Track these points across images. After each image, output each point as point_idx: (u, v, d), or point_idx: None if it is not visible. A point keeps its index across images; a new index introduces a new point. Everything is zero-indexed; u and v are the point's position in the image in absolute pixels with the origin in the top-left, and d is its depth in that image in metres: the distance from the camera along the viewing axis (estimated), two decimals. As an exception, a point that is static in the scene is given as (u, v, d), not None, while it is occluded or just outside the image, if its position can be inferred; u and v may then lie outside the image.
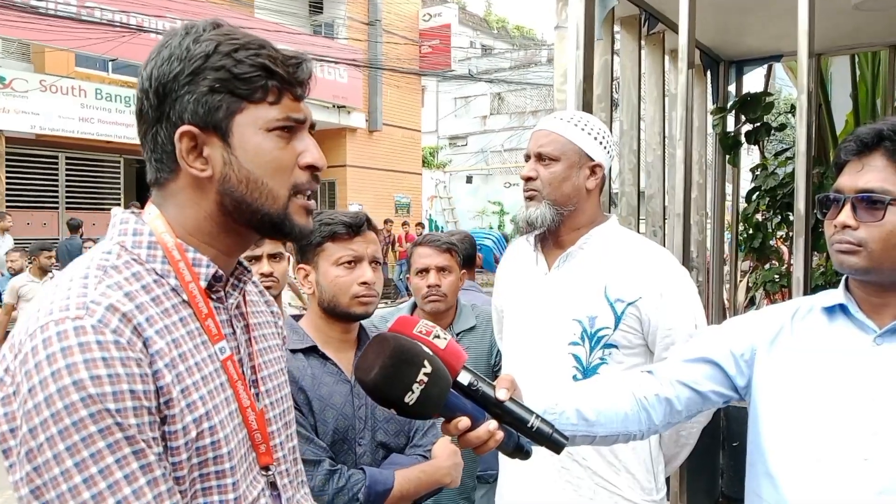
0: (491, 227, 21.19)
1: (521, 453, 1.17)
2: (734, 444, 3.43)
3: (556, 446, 1.14)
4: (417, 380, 1.02)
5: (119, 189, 13.42)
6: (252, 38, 0.95)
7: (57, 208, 12.65)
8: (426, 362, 1.03)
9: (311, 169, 0.98)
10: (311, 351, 1.73)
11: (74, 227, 10.35)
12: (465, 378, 1.09)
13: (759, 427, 1.36)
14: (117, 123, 12.38)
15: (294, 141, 0.97)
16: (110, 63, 12.60)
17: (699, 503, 2.79)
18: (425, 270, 2.42)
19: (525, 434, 1.13)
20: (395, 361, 1.02)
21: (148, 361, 0.85)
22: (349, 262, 1.71)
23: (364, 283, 1.70)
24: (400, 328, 1.09)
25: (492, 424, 1.10)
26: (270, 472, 1.02)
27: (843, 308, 1.33)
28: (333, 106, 15.79)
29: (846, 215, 1.27)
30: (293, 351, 1.71)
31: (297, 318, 1.85)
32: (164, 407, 0.86)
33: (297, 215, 0.98)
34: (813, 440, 1.28)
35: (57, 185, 12.65)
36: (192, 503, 0.90)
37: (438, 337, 1.08)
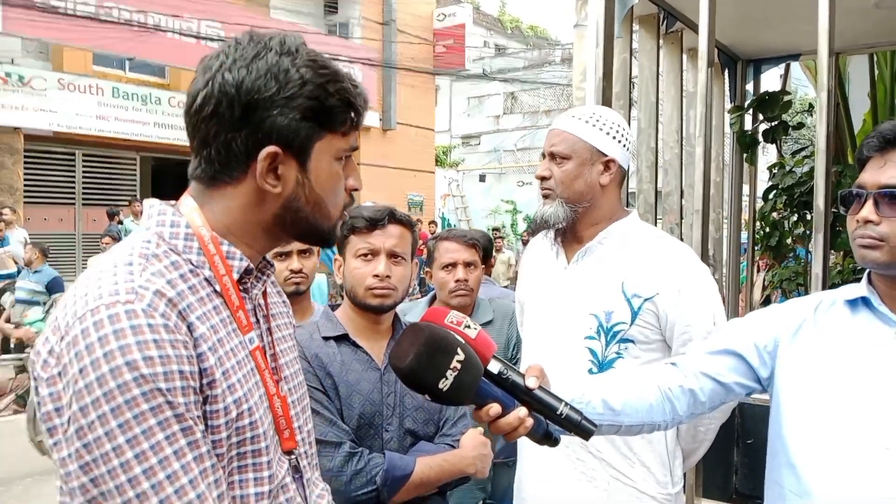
0: (503, 226, 21.21)
1: (550, 440, 1.20)
2: (749, 442, 3.43)
3: (584, 433, 1.17)
4: (451, 367, 1.05)
5: (135, 185, 13.54)
6: (337, 69, 1.00)
7: (74, 204, 12.77)
8: (459, 350, 1.07)
9: (353, 191, 1.07)
10: (343, 339, 1.77)
11: (112, 215, 11.09)
12: (495, 367, 1.13)
13: (781, 417, 1.38)
14: (134, 121, 12.49)
15: (347, 166, 1.05)
16: (127, 62, 12.73)
17: (713, 498, 2.80)
18: (452, 265, 2.45)
19: (554, 421, 1.16)
20: (430, 349, 1.06)
21: (192, 344, 0.89)
22: (365, 255, 1.75)
23: (376, 275, 1.73)
24: (432, 318, 1.13)
25: (522, 411, 1.13)
26: (293, 456, 1.06)
27: (865, 301, 1.35)
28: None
29: (868, 210, 1.29)
30: (325, 338, 1.76)
31: (334, 307, 1.89)
32: (207, 388, 0.90)
33: (338, 227, 1.07)
34: (835, 430, 1.29)
35: (74, 182, 12.77)
36: (229, 479, 0.94)
37: (469, 327, 1.12)
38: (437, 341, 1.07)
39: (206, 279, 0.97)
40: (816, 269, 2.42)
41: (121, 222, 11.08)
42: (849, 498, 1.26)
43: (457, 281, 2.43)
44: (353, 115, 1.01)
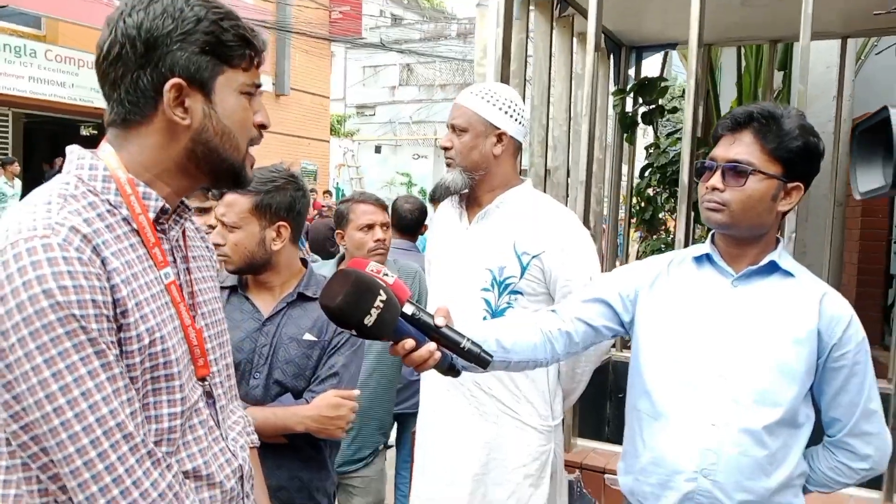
0: (398, 198, 21.28)
1: (454, 371, 1.41)
2: (620, 396, 3.82)
3: (482, 363, 1.37)
4: (375, 305, 1.22)
5: (7, 144, 12.66)
6: (231, 10, 1.11)
7: (-61, 160, 11.80)
8: (381, 291, 1.24)
9: (261, 127, 1.17)
10: (234, 290, 1.91)
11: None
12: (409, 309, 1.30)
13: (640, 354, 1.65)
14: (6, 75, 11.63)
15: (252, 102, 1.15)
16: (-1, 9, 11.84)
17: (588, 437, 3.14)
18: (370, 226, 2.62)
19: (458, 354, 1.36)
20: (357, 290, 1.23)
21: (106, 277, 0.97)
22: (217, 225, 1.90)
23: (214, 244, 1.85)
24: (355, 266, 1.29)
25: (432, 346, 1.33)
26: (206, 383, 1.17)
27: (708, 257, 1.63)
28: (240, 67, 15.38)
29: (716, 179, 1.54)
30: (222, 288, 1.87)
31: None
32: (121, 316, 0.99)
33: (248, 166, 1.17)
34: (681, 362, 1.57)
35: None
36: (144, 401, 1.04)
37: (387, 275, 1.29)
38: (363, 283, 1.23)
39: (125, 218, 1.05)
40: (679, 235, 2.74)
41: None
42: (692, 417, 1.55)
43: (376, 241, 2.61)
44: (250, 51, 1.10)
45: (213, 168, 1.13)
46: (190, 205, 1.22)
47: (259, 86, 1.15)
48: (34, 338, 0.92)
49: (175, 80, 1.05)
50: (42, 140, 13.60)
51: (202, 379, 1.16)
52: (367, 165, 24.50)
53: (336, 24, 18.67)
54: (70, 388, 0.93)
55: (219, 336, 1.25)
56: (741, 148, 1.53)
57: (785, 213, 1.60)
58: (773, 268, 1.57)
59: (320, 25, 18.04)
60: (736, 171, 1.52)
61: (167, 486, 1.02)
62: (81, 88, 12.23)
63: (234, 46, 1.09)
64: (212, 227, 2.21)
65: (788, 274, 1.57)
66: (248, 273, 1.89)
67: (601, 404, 3.90)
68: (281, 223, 1.86)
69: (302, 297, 1.87)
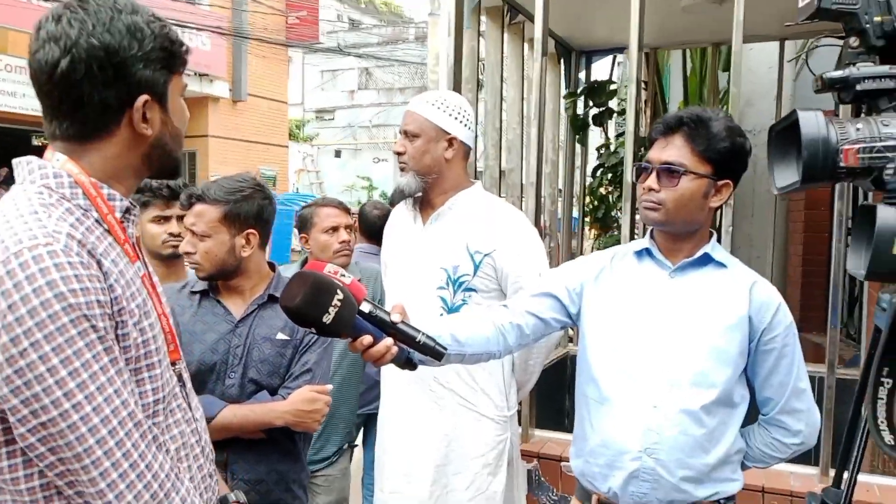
0: (359, 203, 21.29)
1: (410, 365, 1.49)
2: (578, 389, 3.96)
3: (437, 355, 1.46)
4: (332, 304, 1.30)
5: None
6: (162, 16, 1.17)
7: None
8: (338, 291, 1.31)
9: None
10: (206, 294, 1.98)
11: None
12: (366, 307, 1.38)
13: (586, 343, 1.76)
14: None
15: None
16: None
17: (547, 429, 3.25)
18: (335, 228, 2.71)
19: (414, 348, 1.44)
20: (315, 290, 1.30)
21: (103, 278, 1.04)
22: (188, 233, 1.98)
23: (185, 252, 1.95)
24: (314, 269, 1.36)
25: (389, 341, 1.40)
26: (177, 367, 1.24)
27: (648, 251, 1.74)
28: (195, 73, 15.22)
29: (652, 181, 1.65)
30: (192, 292, 1.96)
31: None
32: (117, 314, 1.05)
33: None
34: (624, 349, 1.68)
35: None
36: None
37: (344, 276, 1.37)
38: (320, 284, 1.31)
39: (97, 220, 1.12)
40: (625, 231, 2.87)
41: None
42: (635, 400, 1.65)
43: (341, 242, 2.70)
44: (185, 56, 1.18)
45: (162, 166, 1.21)
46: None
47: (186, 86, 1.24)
48: (49, 340, 0.97)
49: (145, 97, 1.12)
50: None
51: (173, 363, 1.23)
52: (328, 170, 24.43)
53: (293, 30, 18.58)
54: (86, 384, 0.99)
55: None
56: (673, 150, 1.64)
57: (716, 209, 1.72)
58: (706, 259, 1.69)
59: (277, 31, 17.94)
60: (669, 172, 1.63)
61: (170, 467, 1.10)
62: (32, 98, 11.71)
63: (179, 54, 1.17)
64: (173, 234, 2.27)
65: (721, 265, 1.69)
66: (220, 279, 1.96)
67: (559, 396, 4.02)
68: (250, 231, 1.93)
69: (272, 299, 1.94)
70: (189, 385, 1.30)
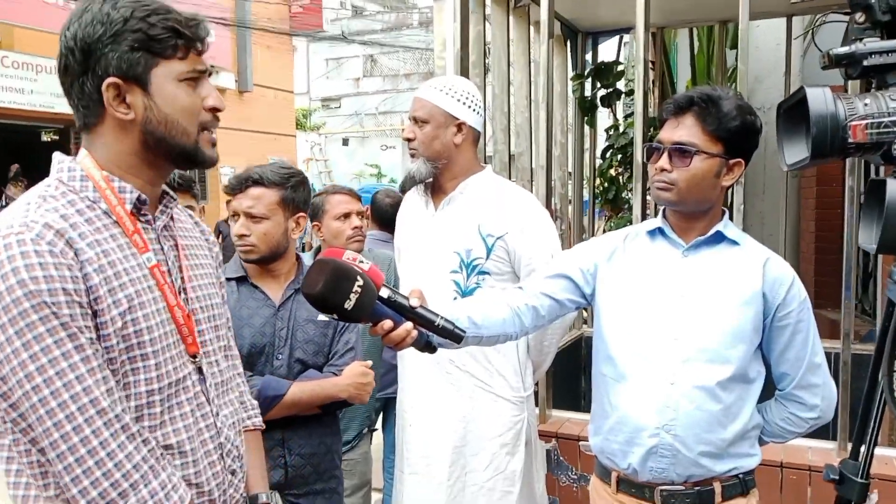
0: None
1: (430, 348, 1.52)
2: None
3: (456, 338, 1.49)
4: (353, 290, 1.33)
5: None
6: (161, 4, 1.19)
7: None
8: (358, 277, 1.34)
9: (214, 110, 1.24)
10: (243, 280, 2.05)
11: None
12: (384, 292, 1.41)
13: (601, 323, 1.78)
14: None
15: (199, 88, 1.22)
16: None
17: (564, 409, 3.28)
18: (346, 215, 2.75)
19: (433, 331, 1.47)
20: (336, 276, 1.33)
21: (78, 267, 1.07)
22: (232, 216, 2.07)
23: (237, 234, 2.02)
24: (333, 255, 1.39)
25: (408, 325, 1.43)
26: (197, 360, 1.26)
27: (661, 231, 1.76)
28: (201, 65, 15.24)
29: (664, 161, 1.67)
30: (228, 279, 1.99)
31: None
32: (94, 303, 1.09)
33: (206, 147, 1.25)
34: (639, 328, 1.71)
35: None
36: (124, 379, 1.14)
37: (363, 262, 1.39)
38: (341, 271, 1.34)
39: (105, 211, 1.16)
40: (636, 211, 2.88)
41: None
42: (652, 377, 1.68)
43: (353, 228, 2.74)
44: (182, 41, 1.16)
45: (167, 153, 1.21)
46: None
47: (203, 71, 1.22)
48: (12, 324, 1.02)
49: (110, 79, 1.14)
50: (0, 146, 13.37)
51: (193, 356, 1.25)
52: (336, 159, 24.47)
53: (297, 18, 18.55)
54: (45, 368, 1.04)
55: (213, 320, 1.33)
56: (684, 130, 1.65)
57: (728, 188, 1.73)
58: (719, 237, 1.71)
59: (281, 20, 17.92)
60: (681, 153, 1.64)
61: (142, 458, 1.11)
62: (41, 94, 12.02)
63: (163, 39, 1.16)
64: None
65: (734, 242, 1.71)
66: (270, 262, 2.04)
67: (575, 378, 4.05)
68: (300, 214, 2.07)
69: None
70: (216, 380, 1.31)
